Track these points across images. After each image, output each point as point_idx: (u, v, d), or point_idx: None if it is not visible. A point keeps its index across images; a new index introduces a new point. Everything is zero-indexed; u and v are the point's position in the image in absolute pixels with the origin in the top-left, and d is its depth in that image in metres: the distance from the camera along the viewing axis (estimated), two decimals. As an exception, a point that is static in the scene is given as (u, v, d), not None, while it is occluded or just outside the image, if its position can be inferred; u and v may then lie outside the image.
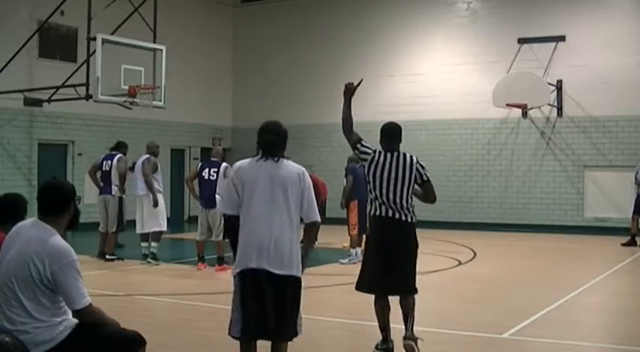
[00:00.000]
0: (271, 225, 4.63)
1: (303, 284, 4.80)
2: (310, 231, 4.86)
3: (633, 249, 14.71)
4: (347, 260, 11.99)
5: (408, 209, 5.91)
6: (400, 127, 6.10)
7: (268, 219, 4.64)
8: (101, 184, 12.59)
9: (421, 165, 5.97)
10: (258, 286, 4.63)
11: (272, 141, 4.77)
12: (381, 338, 6.13)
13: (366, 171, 5.99)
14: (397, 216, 5.87)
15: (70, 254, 4.00)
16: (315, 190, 5.01)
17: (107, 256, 12.23)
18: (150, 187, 12.04)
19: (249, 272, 4.65)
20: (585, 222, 18.27)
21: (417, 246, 6.01)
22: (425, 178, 5.96)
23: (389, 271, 5.86)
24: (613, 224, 17.55)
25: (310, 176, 5.03)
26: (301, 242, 4.84)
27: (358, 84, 5.93)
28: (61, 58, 17.75)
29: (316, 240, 4.77)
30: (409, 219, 5.91)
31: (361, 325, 7.13)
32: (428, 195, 6.04)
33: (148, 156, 12.28)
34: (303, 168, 4.85)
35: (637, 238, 15.23)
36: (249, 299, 4.65)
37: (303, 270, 4.78)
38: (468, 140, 19.61)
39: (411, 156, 5.98)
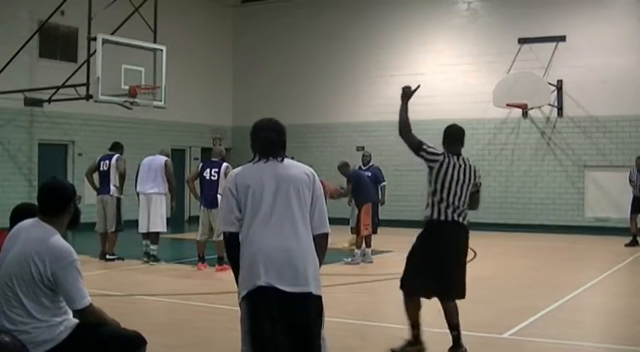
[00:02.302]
0: (280, 233, 3.88)
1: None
2: (321, 244, 4.08)
3: (634, 249, 14.71)
4: (350, 259, 12.02)
5: (466, 214, 5.95)
6: (464, 130, 6.21)
7: (277, 226, 3.90)
8: (97, 185, 12.58)
9: (479, 174, 6.08)
10: (269, 309, 3.85)
11: (271, 139, 4.05)
12: (410, 338, 6.05)
13: (434, 174, 5.89)
14: (460, 220, 5.88)
15: (71, 254, 4.01)
16: None
17: (107, 256, 12.23)
18: (172, 190, 12.27)
19: (258, 291, 3.85)
20: (586, 222, 18.27)
21: None
22: (479, 187, 6.06)
23: (448, 274, 5.87)
24: (613, 224, 17.55)
25: None
26: None
27: (416, 88, 5.89)
28: (62, 58, 17.76)
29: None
30: (467, 224, 5.95)
31: (364, 325, 7.13)
32: (476, 202, 6.09)
33: (166, 158, 12.38)
34: (312, 170, 4.13)
35: (638, 237, 15.27)
36: (261, 327, 3.85)
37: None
38: (469, 140, 19.23)
39: (471, 162, 6.07)
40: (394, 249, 14.02)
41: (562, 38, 18.51)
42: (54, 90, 16.15)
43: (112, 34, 15.11)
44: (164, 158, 12.35)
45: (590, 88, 18.09)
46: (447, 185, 5.81)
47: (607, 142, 18.19)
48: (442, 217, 5.81)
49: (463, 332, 6.83)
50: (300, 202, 3.96)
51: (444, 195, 5.81)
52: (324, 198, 4.16)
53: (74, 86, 15.32)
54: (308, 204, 4.00)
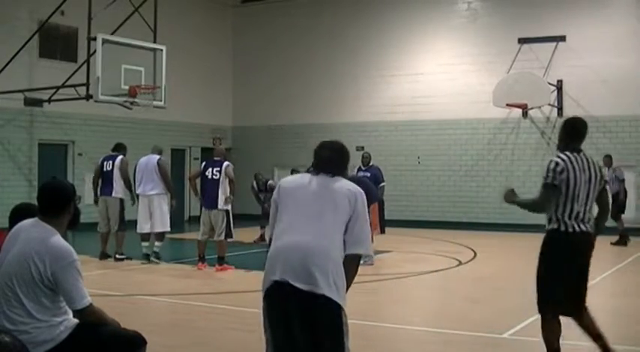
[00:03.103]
0: (302, 234, 3.87)
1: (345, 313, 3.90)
2: (352, 264, 4.00)
3: (634, 249, 14.72)
4: (362, 261, 11.95)
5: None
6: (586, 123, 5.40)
7: (301, 228, 3.90)
8: (100, 186, 12.55)
9: (604, 169, 5.42)
10: (285, 304, 3.83)
11: (330, 158, 4.08)
12: None
13: (564, 187, 5.11)
14: (591, 229, 5.26)
15: (71, 254, 4.01)
16: None
17: (117, 256, 12.18)
18: (170, 189, 12.23)
19: (273, 287, 3.86)
20: (585, 222, 18.26)
21: None
22: (605, 185, 5.33)
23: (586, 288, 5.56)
24: (613, 224, 17.54)
25: None
26: None
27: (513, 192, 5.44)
28: (62, 58, 17.76)
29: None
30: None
31: (364, 325, 7.11)
32: (607, 204, 5.40)
33: (158, 156, 12.31)
34: (359, 188, 4.04)
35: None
36: (277, 324, 3.87)
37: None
38: (469, 140, 19.60)
39: (591, 157, 5.32)
40: (394, 249, 14.03)
41: (562, 38, 18.52)
42: (54, 90, 16.15)
43: (112, 34, 15.11)
44: (157, 157, 12.28)
45: (590, 87, 18.10)
46: (579, 193, 5.11)
47: (607, 142, 18.17)
48: (578, 229, 5.22)
49: (463, 333, 6.84)
50: (334, 212, 3.92)
51: (581, 202, 5.16)
52: (368, 220, 4.04)
53: (74, 86, 15.32)
54: (344, 216, 3.93)
